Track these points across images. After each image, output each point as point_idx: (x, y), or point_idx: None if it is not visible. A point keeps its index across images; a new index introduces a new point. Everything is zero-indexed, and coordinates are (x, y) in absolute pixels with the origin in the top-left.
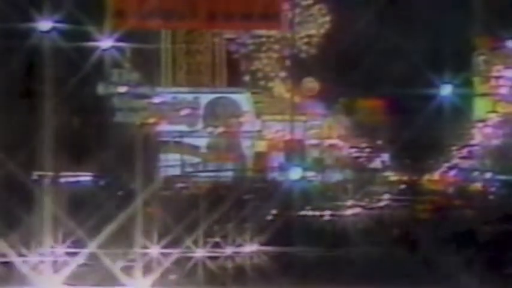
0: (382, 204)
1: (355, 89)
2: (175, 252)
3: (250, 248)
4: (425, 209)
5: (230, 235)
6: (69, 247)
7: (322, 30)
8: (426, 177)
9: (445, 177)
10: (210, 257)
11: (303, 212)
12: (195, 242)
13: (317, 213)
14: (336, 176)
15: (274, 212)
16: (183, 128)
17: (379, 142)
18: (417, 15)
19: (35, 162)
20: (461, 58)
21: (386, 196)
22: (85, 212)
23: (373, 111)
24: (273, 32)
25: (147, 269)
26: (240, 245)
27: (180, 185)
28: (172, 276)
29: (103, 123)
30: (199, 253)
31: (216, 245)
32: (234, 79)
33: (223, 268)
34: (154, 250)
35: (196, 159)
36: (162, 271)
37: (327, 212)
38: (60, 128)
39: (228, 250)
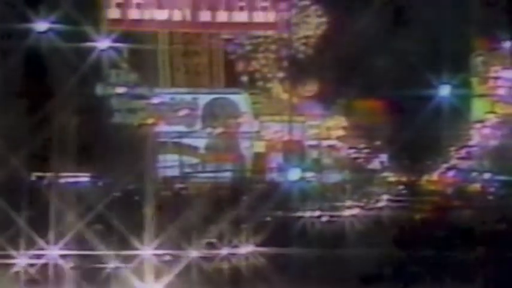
0: (381, 205)
1: (353, 89)
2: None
3: (247, 249)
4: (424, 209)
5: (228, 236)
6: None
7: (320, 31)
8: (425, 177)
9: (444, 178)
10: (206, 258)
11: (301, 213)
12: (194, 243)
13: (316, 214)
14: (334, 177)
15: (272, 213)
16: (181, 128)
17: (378, 143)
18: (415, 16)
19: (33, 163)
20: (460, 59)
21: (385, 197)
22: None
23: (371, 112)
24: (270, 33)
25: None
26: (237, 246)
27: (178, 185)
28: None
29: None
30: (195, 254)
31: (214, 246)
32: (232, 80)
33: (220, 269)
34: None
35: (194, 160)
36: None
37: (326, 213)
38: (57, 128)
39: (226, 251)
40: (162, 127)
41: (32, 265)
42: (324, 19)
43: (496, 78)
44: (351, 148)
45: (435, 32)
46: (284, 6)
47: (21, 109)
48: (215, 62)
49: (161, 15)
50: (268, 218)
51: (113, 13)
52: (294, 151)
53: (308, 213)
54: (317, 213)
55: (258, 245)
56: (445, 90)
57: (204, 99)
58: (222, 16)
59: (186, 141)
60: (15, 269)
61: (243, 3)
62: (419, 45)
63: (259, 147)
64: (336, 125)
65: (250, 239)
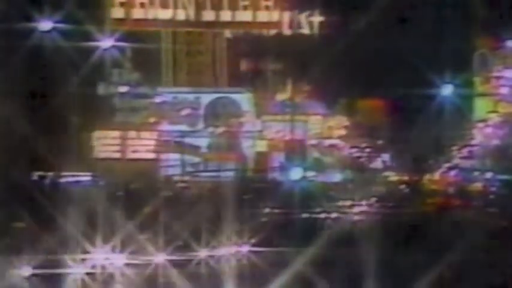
0: (381, 204)
1: (355, 89)
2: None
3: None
4: (426, 208)
5: (227, 235)
6: None
7: (322, 30)
8: (427, 177)
9: (446, 177)
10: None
11: (303, 212)
12: (196, 243)
13: (318, 213)
14: (336, 176)
15: (274, 211)
16: (183, 127)
17: (380, 142)
18: (418, 15)
19: (36, 162)
20: (462, 58)
21: (385, 196)
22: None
23: (373, 111)
24: (273, 32)
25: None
26: (237, 245)
27: (180, 184)
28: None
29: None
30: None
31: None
32: (235, 79)
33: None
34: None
35: (197, 159)
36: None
37: (328, 212)
38: (60, 127)
39: (228, 250)
40: (165, 126)
41: None
42: (326, 18)
43: (499, 77)
44: (352, 147)
45: (438, 31)
46: (287, 6)
47: (23, 108)
48: (218, 62)
49: (165, 14)
50: (270, 217)
51: (117, 12)
52: (295, 150)
53: (310, 212)
54: (319, 212)
55: (258, 245)
56: (447, 90)
57: (206, 98)
58: (226, 15)
59: (188, 140)
60: None
61: (246, 3)
62: (421, 44)
63: (261, 146)
64: (337, 125)
65: (251, 238)
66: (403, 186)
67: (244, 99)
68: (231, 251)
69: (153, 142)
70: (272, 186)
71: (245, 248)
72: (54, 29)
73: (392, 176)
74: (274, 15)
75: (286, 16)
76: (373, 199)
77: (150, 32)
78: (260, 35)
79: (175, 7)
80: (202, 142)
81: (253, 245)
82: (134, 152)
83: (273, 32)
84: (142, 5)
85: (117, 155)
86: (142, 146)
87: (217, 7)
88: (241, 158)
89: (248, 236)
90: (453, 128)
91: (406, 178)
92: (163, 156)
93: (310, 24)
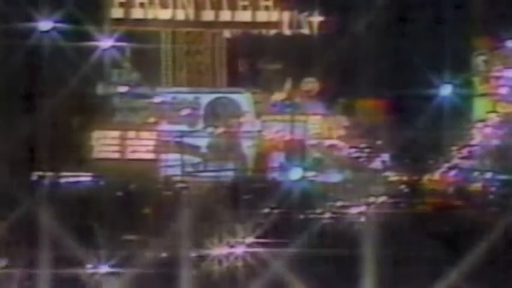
0: (382, 204)
1: (355, 89)
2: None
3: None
4: (425, 209)
5: (226, 235)
6: None
7: (322, 30)
8: (426, 177)
9: (446, 177)
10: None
11: (303, 212)
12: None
13: (317, 213)
14: (336, 176)
15: (274, 211)
16: (183, 127)
17: (379, 142)
18: (417, 15)
19: (34, 162)
20: (462, 58)
21: (386, 196)
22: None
23: (373, 111)
24: (273, 32)
25: None
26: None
27: (180, 184)
28: None
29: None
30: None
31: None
32: (234, 79)
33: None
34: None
35: (196, 159)
36: None
37: (327, 212)
38: (59, 128)
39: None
40: (164, 126)
41: None
42: (326, 18)
43: (498, 77)
44: (352, 147)
45: (437, 31)
46: (287, 5)
47: (24, 108)
48: (217, 62)
49: (164, 14)
50: (269, 217)
51: (116, 12)
52: (295, 150)
53: (309, 213)
54: (318, 212)
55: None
56: (446, 90)
57: (206, 98)
58: (225, 15)
59: (187, 140)
60: None
61: (246, 3)
62: (421, 44)
63: (261, 146)
64: (337, 125)
65: (248, 238)
66: (402, 186)
67: (243, 99)
68: (228, 251)
69: (152, 142)
70: (272, 186)
71: (241, 249)
72: (53, 28)
73: (392, 176)
74: (274, 15)
75: (286, 16)
76: (372, 199)
77: (149, 32)
78: (260, 35)
79: (175, 7)
80: (202, 142)
81: (250, 246)
82: (134, 152)
83: (272, 32)
84: (141, 5)
85: (117, 155)
86: (142, 146)
87: (216, 7)
88: (241, 158)
89: (245, 236)
90: (453, 128)
91: (405, 178)
92: (163, 156)
93: (310, 24)
